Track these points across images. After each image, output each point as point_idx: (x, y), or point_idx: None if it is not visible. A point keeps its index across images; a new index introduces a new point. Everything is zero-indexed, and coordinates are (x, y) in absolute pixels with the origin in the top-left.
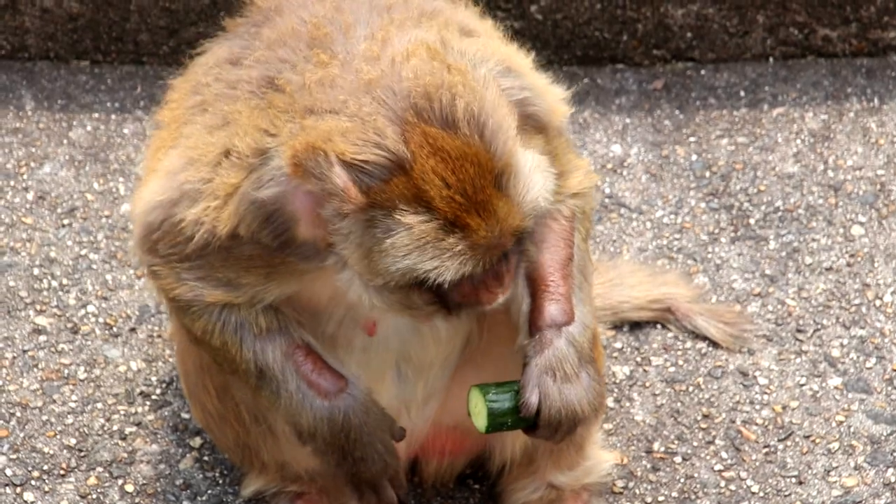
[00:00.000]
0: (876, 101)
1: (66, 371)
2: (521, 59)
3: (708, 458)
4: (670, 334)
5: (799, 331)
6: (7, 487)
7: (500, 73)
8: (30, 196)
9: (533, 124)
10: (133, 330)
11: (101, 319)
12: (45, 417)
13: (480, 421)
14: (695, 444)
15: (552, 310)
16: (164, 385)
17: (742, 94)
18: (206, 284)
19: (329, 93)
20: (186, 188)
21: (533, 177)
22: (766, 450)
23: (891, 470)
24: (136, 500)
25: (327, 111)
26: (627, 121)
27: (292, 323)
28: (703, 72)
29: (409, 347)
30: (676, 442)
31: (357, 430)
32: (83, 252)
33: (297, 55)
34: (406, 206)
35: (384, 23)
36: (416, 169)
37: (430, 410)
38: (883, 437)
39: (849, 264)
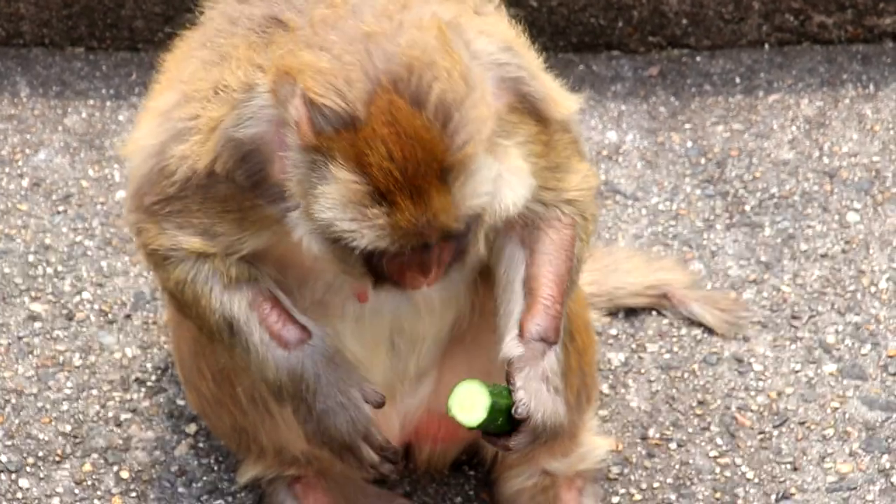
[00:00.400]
0: (871, 87)
1: (62, 358)
2: (528, 51)
3: (703, 444)
4: (665, 321)
5: (794, 317)
6: (2, 474)
7: (500, 49)
8: (25, 183)
9: (527, 107)
10: (128, 317)
11: (96, 306)
12: (40, 404)
13: (474, 414)
14: (690, 430)
15: (547, 326)
16: (159, 372)
17: (737, 80)
18: (183, 232)
19: (328, 32)
20: (178, 126)
21: (484, 185)
22: (762, 436)
23: (885, 456)
24: (132, 486)
25: (317, 47)
26: (623, 107)
27: (264, 276)
28: (698, 58)
29: (401, 317)
30: (671, 428)
31: (315, 380)
32: (78, 239)
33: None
34: (345, 161)
35: None
36: (367, 131)
37: (423, 390)
38: (878, 424)
39: (844, 251)
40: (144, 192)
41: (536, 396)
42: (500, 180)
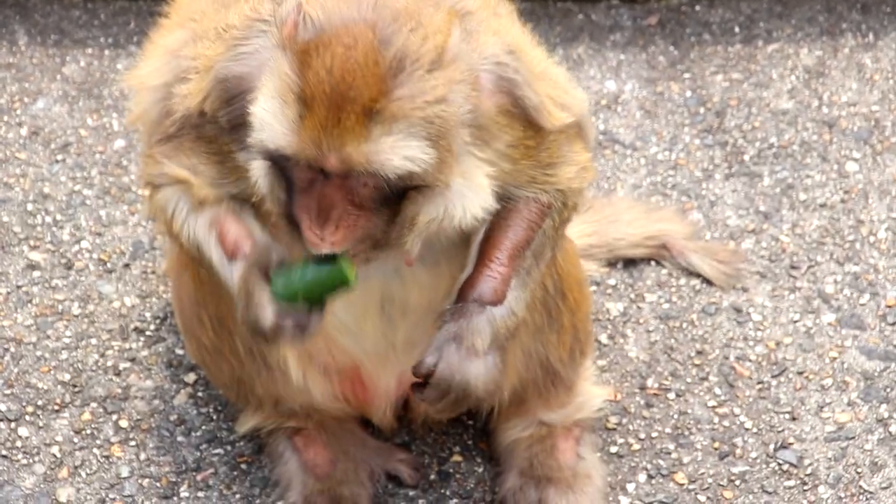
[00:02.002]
0: (871, 36)
1: (60, 307)
2: (536, 58)
3: (701, 394)
4: (664, 271)
5: (793, 267)
6: (1, 423)
7: (504, 51)
8: (23, 131)
9: (519, 112)
10: (127, 266)
11: (94, 255)
12: (39, 353)
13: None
14: (688, 380)
15: (484, 286)
16: (158, 321)
17: (737, 30)
18: (172, 162)
19: None
20: (183, 65)
21: (405, 151)
22: (760, 386)
23: (884, 406)
24: (131, 435)
25: None
26: (622, 57)
27: (234, 201)
28: (697, 8)
29: (391, 288)
30: (670, 378)
31: (240, 286)
32: (77, 188)
33: None
34: (294, 61)
35: None
36: (327, 44)
37: (417, 353)
38: (876, 373)
39: (843, 200)
40: (152, 132)
41: (443, 353)
42: (455, 192)
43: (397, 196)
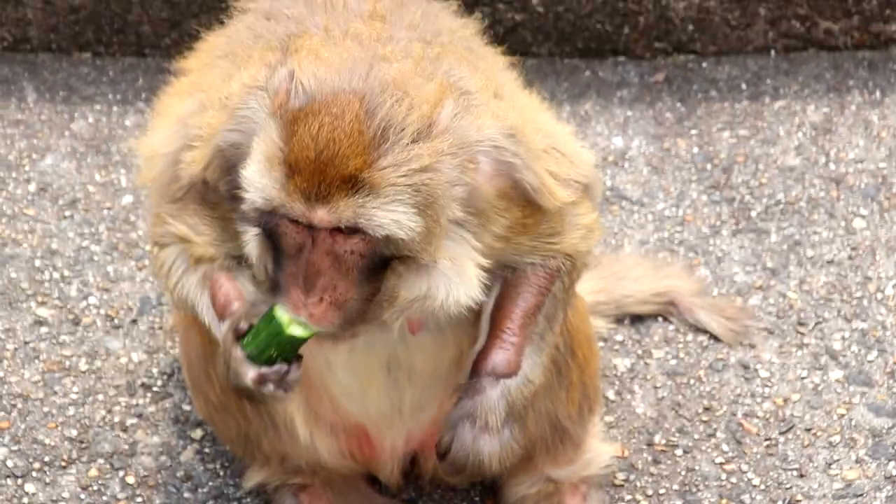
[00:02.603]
0: (878, 94)
1: (68, 362)
2: (540, 129)
3: (709, 450)
4: (671, 327)
5: (800, 323)
6: (8, 479)
7: (502, 135)
8: (31, 187)
9: (519, 194)
10: (134, 321)
11: (102, 311)
12: (46, 409)
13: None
14: (696, 436)
15: (497, 359)
16: (165, 377)
17: (744, 86)
18: (177, 221)
19: (347, 39)
20: (191, 134)
21: (390, 217)
22: (768, 442)
23: (892, 463)
24: (138, 491)
25: (330, 43)
26: (629, 113)
27: (230, 259)
28: (704, 64)
29: (397, 353)
30: (678, 434)
31: (222, 347)
32: (84, 243)
33: (336, 22)
34: (282, 128)
35: (442, 41)
36: (314, 113)
37: (426, 415)
38: (884, 430)
39: (850, 257)
40: (161, 196)
41: (457, 432)
42: (440, 274)
43: (381, 267)
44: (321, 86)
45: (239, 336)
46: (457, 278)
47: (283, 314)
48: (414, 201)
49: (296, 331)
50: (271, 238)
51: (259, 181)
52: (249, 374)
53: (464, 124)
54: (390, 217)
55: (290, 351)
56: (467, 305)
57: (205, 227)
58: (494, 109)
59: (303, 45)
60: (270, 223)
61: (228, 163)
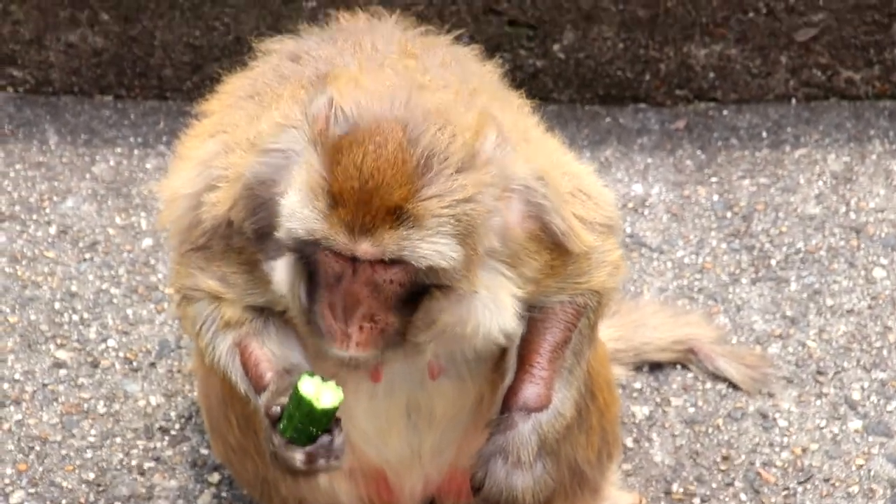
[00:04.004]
0: None
1: (86, 405)
2: (565, 172)
3: (727, 499)
4: (690, 375)
5: (819, 373)
6: None
7: (533, 177)
8: (52, 230)
9: (548, 238)
10: (153, 365)
11: (121, 354)
12: (64, 451)
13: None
14: (714, 485)
15: (527, 392)
16: (183, 420)
17: (764, 134)
18: (204, 275)
19: (385, 70)
20: (214, 174)
21: (434, 248)
22: (786, 492)
23: None
24: None
25: (368, 72)
26: (649, 160)
27: (260, 318)
28: (725, 112)
29: (417, 399)
30: (695, 483)
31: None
32: (104, 286)
33: (368, 59)
34: (324, 157)
35: (474, 81)
36: (357, 141)
37: (444, 459)
38: None
39: (870, 307)
40: (183, 241)
41: (490, 470)
42: (477, 303)
43: (419, 293)
44: (362, 112)
45: (273, 421)
46: (493, 306)
47: (307, 390)
48: (456, 232)
49: (326, 402)
50: (307, 265)
51: (301, 212)
52: (298, 457)
53: (503, 156)
54: (434, 248)
55: (326, 421)
56: (503, 335)
57: (233, 276)
58: (525, 152)
59: (341, 73)
60: (309, 253)
61: (256, 200)
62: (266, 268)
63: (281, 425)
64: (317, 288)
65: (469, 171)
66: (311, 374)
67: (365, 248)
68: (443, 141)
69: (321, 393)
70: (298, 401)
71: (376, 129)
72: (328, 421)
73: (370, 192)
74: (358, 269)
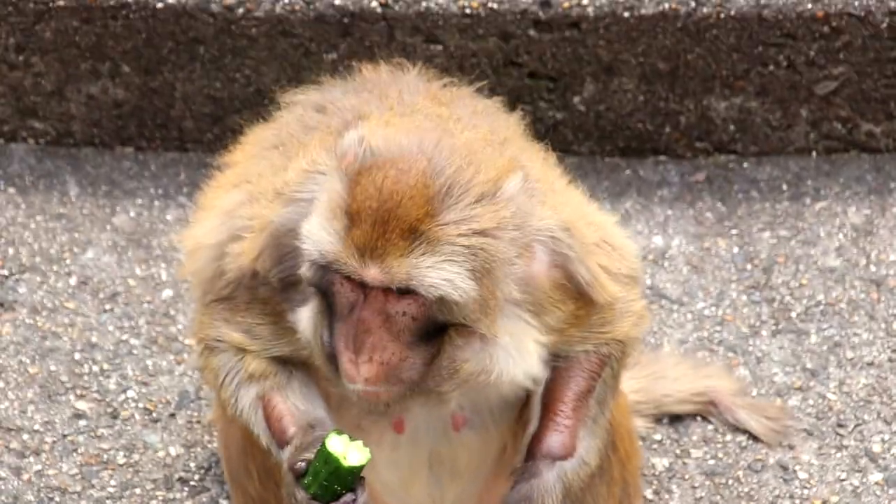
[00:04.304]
0: None
1: (106, 456)
2: (589, 223)
3: None
4: (710, 426)
5: (840, 425)
6: None
7: (559, 227)
8: (72, 281)
9: (573, 287)
10: (172, 415)
11: (140, 404)
12: (83, 502)
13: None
14: None
15: (552, 441)
16: (202, 471)
17: (784, 187)
18: (228, 327)
19: (415, 116)
20: (238, 225)
21: (448, 277)
22: None
23: None
24: None
25: (399, 115)
26: (669, 212)
27: (283, 371)
28: (745, 165)
29: (440, 450)
30: None
31: (287, 480)
32: (124, 337)
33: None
34: (345, 179)
35: (503, 134)
36: (379, 166)
37: None
38: None
39: (891, 359)
40: (206, 291)
41: None
42: (500, 348)
43: (437, 332)
44: (390, 145)
45: (298, 476)
46: (517, 354)
47: (335, 447)
48: (470, 265)
49: (353, 460)
50: (327, 303)
51: (318, 234)
52: None
53: (527, 203)
54: (444, 276)
55: (351, 480)
56: (527, 382)
57: (258, 327)
58: (552, 202)
59: (372, 114)
60: (325, 282)
61: (283, 249)
62: (291, 317)
63: (305, 481)
64: (335, 326)
65: (489, 205)
66: (340, 432)
67: (374, 273)
68: (466, 174)
69: (348, 451)
70: (326, 458)
71: (400, 157)
72: (353, 480)
73: (387, 212)
74: (369, 297)
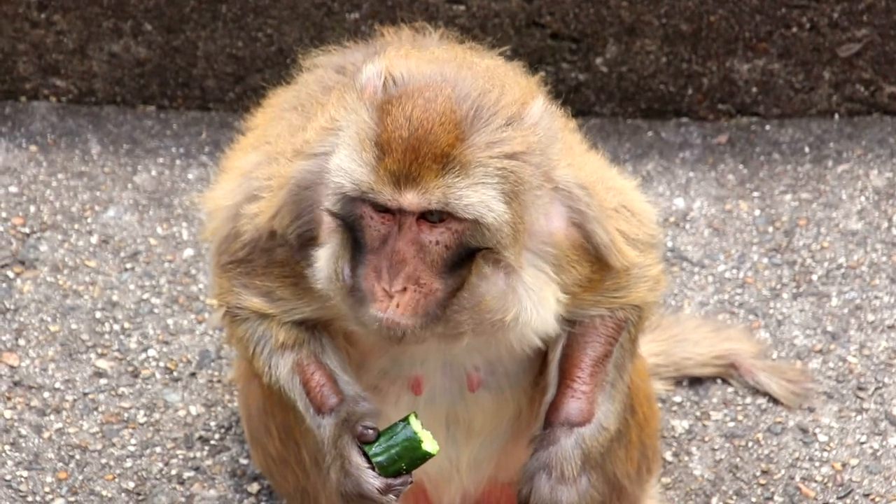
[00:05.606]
0: None
1: (126, 414)
2: (609, 187)
3: None
4: (730, 389)
5: (860, 388)
6: None
7: (577, 185)
8: (94, 239)
9: (590, 249)
10: (193, 374)
11: (161, 364)
12: (104, 460)
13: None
14: (753, 499)
15: (570, 407)
16: (222, 430)
17: (806, 150)
18: (248, 292)
19: (434, 53)
20: (255, 185)
21: (479, 197)
22: None
23: None
24: None
25: (416, 51)
26: (691, 174)
27: (315, 339)
28: (767, 127)
29: (456, 410)
30: (735, 497)
31: (330, 447)
32: (145, 296)
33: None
34: (374, 108)
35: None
36: (408, 94)
37: (483, 473)
38: None
39: None
40: (221, 252)
41: (534, 484)
42: (520, 293)
43: (466, 263)
44: (413, 75)
45: (364, 442)
46: (536, 299)
47: (418, 427)
48: (501, 188)
49: (429, 447)
50: (351, 237)
51: (348, 165)
52: (375, 483)
53: (551, 127)
54: (479, 198)
55: (418, 464)
56: (541, 334)
57: (279, 290)
58: (570, 160)
59: (391, 49)
60: (354, 214)
61: (301, 205)
62: (309, 275)
63: (372, 449)
64: (360, 259)
65: (517, 128)
66: (416, 416)
67: (410, 198)
68: (492, 97)
69: (428, 440)
70: (407, 436)
71: (426, 86)
72: (418, 464)
73: (418, 140)
74: (404, 227)
